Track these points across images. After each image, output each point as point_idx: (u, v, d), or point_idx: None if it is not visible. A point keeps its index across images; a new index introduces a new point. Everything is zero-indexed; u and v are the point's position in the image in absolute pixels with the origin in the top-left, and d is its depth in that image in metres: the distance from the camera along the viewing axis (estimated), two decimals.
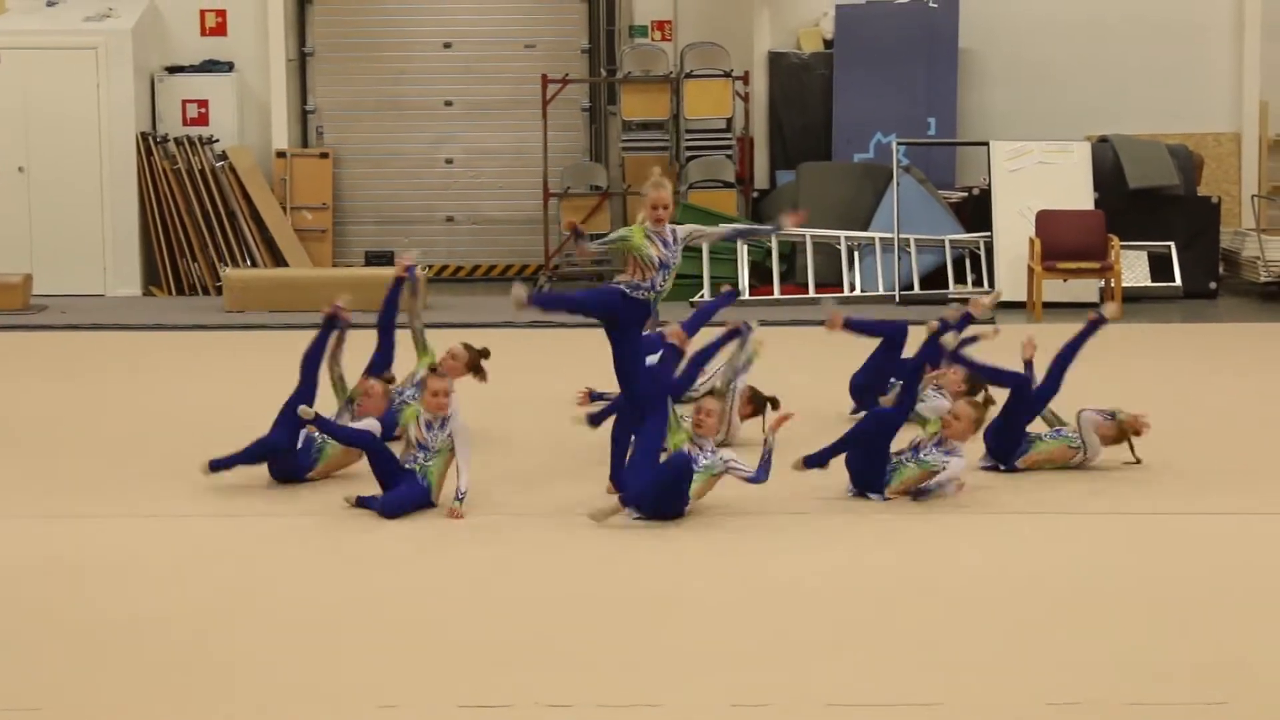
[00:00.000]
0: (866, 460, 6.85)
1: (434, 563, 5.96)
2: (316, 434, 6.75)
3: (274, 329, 11.52)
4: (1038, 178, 13.53)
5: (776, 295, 13.09)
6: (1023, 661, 4.81)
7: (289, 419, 6.51)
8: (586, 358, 8.82)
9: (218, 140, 13.44)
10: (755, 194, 14.14)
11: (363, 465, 6.69)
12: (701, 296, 12.15)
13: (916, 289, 13.17)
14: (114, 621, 4.84)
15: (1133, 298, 12.86)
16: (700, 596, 5.52)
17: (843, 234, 13.44)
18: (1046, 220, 12.86)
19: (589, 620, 5.29)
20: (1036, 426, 7.22)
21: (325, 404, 7.05)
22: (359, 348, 7.56)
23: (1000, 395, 7.59)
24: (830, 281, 13.46)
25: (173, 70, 13.91)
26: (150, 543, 6.08)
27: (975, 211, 13.73)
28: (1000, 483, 7.14)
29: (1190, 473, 7.46)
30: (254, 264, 13.07)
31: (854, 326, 8.43)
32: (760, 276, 13.30)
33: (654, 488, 6.23)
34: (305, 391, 6.66)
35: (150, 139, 13.16)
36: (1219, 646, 4.96)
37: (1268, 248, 13.13)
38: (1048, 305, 12.54)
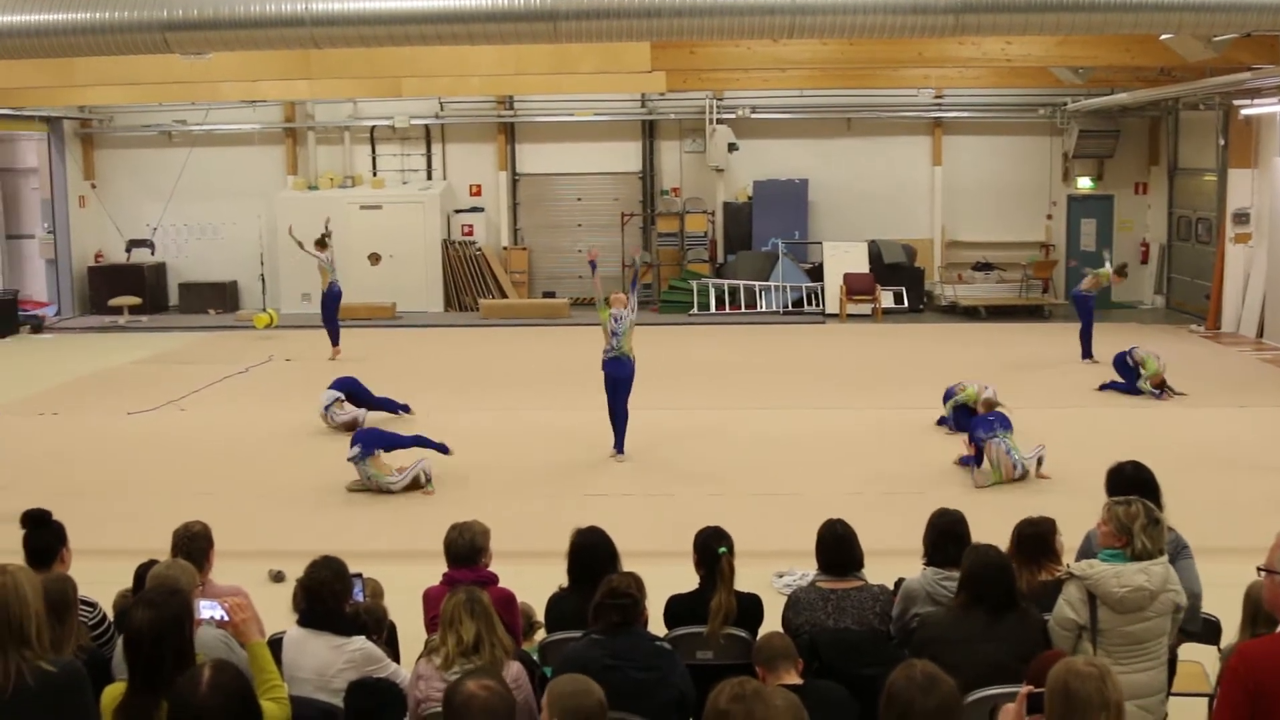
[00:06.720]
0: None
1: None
2: None
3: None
4: (844, 258, 22.30)
5: (724, 310, 21.77)
6: None
7: None
8: None
9: (476, 241, 23.20)
10: (718, 263, 22.51)
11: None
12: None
13: (789, 308, 21.84)
14: None
15: (887, 312, 21.69)
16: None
17: (757, 283, 21.91)
18: (849, 277, 21.95)
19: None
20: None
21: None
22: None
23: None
24: (750, 304, 21.72)
25: (457, 211, 23.34)
26: None
27: (815, 273, 22.44)
28: None
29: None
30: (498, 295, 22.94)
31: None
32: (716, 302, 21.77)
33: None
34: None
35: (446, 243, 22.96)
36: None
37: (945, 290, 22.65)
38: (850, 315, 21.57)
